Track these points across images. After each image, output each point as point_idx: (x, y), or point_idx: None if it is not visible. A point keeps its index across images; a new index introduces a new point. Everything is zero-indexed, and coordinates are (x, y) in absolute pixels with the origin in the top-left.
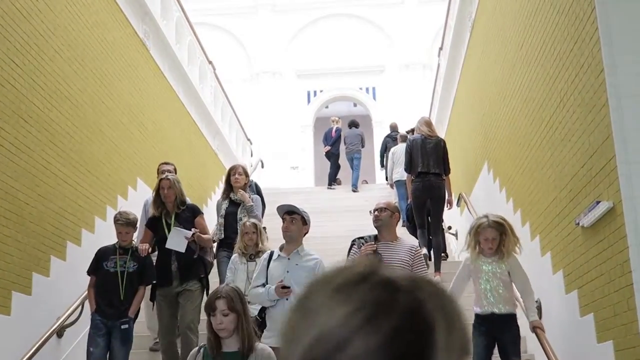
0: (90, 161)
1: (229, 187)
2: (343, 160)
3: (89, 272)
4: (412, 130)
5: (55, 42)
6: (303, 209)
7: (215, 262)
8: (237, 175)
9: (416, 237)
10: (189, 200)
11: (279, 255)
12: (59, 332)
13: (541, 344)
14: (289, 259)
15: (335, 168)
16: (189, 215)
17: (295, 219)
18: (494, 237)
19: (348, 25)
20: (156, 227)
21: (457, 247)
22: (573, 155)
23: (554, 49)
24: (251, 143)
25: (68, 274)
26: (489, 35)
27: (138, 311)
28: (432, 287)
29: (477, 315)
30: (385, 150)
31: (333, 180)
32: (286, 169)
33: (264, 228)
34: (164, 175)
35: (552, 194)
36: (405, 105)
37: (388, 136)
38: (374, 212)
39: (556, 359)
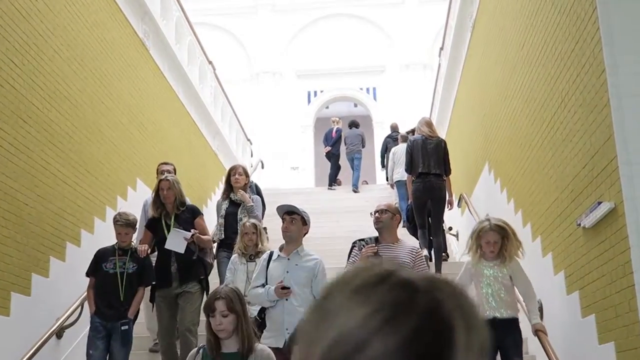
0: (90, 161)
1: (229, 188)
2: (343, 161)
3: (88, 274)
4: (413, 131)
5: (54, 42)
6: (303, 209)
7: (215, 262)
8: (237, 176)
9: (416, 238)
10: (188, 200)
11: (278, 255)
12: (59, 333)
13: (543, 347)
14: (288, 259)
15: (335, 169)
16: (189, 216)
17: (295, 219)
18: (495, 241)
19: (348, 25)
20: (156, 228)
21: (457, 247)
22: (574, 155)
23: (555, 49)
24: (251, 143)
25: (67, 274)
26: (489, 36)
27: (137, 312)
28: (450, 287)
29: None
30: (385, 150)
31: (333, 180)
32: (286, 170)
33: (265, 228)
34: (163, 176)
35: (554, 194)
36: (405, 106)
37: (389, 136)
38: (374, 214)
39: None
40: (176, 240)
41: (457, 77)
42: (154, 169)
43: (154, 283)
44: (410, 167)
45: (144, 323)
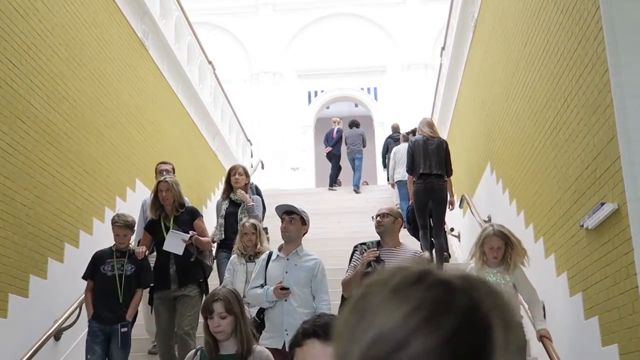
0: (89, 162)
1: (229, 188)
2: (344, 162)
3: (86, 277)
4: (414, 131)
5: (53, 41)
6: (302, 209)
7: (215, 263)
8: (237, 176)
9: (417, 239)
10: (188, 202)
11: (277, 255)
12: (57, 335)
13: (548, 353)
14: (287, 259)
15: (336, 169)
16: (188, 218)
17: (294, 219)
18: (499, 246)
19: (349, 24)
20: (155, 229)
21: (459, 249)
22: (577, 156)
23: (557, 49)
24: (251, 144)
25: (66, 276)
26: (491, 35)
27: (136, 314)
28: (487, 286)
29: None
30: (387, 151)
31: (334, 181)
32: (286, 170)
33: (265, 229)
34: (162, 178)
35: (556, 195)
36: (407, 106)
37: (390, 137)
38: (376, 217)
39: None
40: (174, 242)
41: (459, 77)
42: (153, 170)
43: (152, 285)
44: (411, 168)
45: (143, 325)
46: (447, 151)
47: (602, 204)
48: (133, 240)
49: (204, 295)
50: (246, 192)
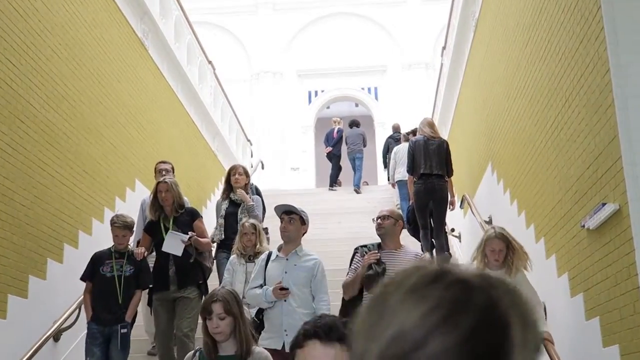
0: (88, 162)
1: (229, 188)
2: (345, 162)
3: (84, 278)
4: (414, 131)
5: (52, 41)
6: (302, 209)
7: (215, 263)
8: (237, 176)
9: (417, 239)
10: (187, 202)
11: (277, 255)
12: (56, 336)
13: (549, 355)
14: (287, 259)
15: (336, 169)
16: (188, 219)
17: (293, 219)
18: (500, 249)
19: (350, 24)
20: (154, 230)
21: (460, 249)
22: (578, 156)
23: (559, 49)
24: (251, 144)
25: (65, 276)
26: (492, 35)
27: (135, 315)
28: (505, 285)
29: None
30: (387, 151)
31: (334, 181)
32: (287, 170)
33: (266, 229)
34: (161, 179)
35: (557, 195)
36: (407, 106)
37: (390, 137)
38: (376, 219)
39: None
40: (173, 243)
41: (460, 76)
42: (153, 170)
43: (151, 286)
44: (412, 168)
45: (142, 326)
46: (447, 151)
47: (604, 205)
48: (132, 241)
49: (203, 296)
50: (246, 192)
